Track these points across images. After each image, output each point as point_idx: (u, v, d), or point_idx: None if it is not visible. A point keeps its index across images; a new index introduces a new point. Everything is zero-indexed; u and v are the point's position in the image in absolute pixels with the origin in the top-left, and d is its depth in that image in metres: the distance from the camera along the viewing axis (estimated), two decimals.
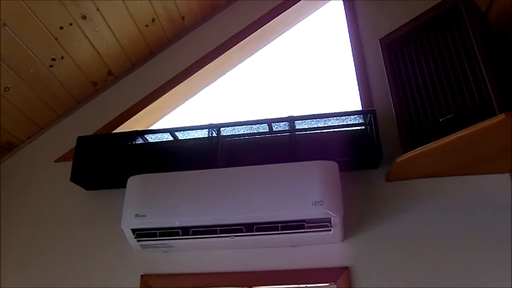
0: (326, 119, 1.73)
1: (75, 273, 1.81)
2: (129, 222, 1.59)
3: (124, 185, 1.69)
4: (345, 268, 1.59)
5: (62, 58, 2.00)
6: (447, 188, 1.66)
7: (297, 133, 1.76)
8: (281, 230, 1.50)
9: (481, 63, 1.36)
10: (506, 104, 1.30)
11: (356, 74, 1.98)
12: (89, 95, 2.28)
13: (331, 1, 2.34)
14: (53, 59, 1.98)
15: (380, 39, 1.73)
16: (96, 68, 2.17)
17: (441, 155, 1.50)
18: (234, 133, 1.81)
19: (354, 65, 2.02)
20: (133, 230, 1.60)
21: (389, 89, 1.64)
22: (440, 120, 1.46)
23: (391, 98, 1.63)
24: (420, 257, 1.57)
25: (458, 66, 1.44)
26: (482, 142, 1.41)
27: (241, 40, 2.24)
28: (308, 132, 1.76)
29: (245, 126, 1.79)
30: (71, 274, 1.81)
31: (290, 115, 1.76)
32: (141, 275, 1.73)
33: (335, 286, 1.57)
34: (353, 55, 2.04)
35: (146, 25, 2.18)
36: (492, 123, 1.28)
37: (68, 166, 1.97)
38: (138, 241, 1.61)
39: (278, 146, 1.75)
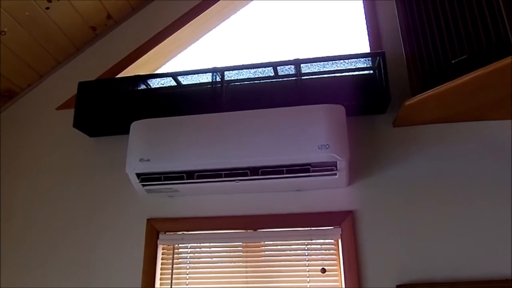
0: (333, 62, 1.67)
1: (82, 219, 1.83)
2: (133, 166, 1.58)
3: (127, 132, 1.67)
4: (350, 212, 1.60)
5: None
6: (453, 134, 1.64)
7: (303, 77, 1.70)
8: (286, 174, 1.49)
9: None
10: None
11: (365, 16, 1.90)
12: (89, 41, 2.21)
13: None
14: (49, 1, 1.89)
15: None
16: (94, 12, 2.09)
17: (452, 99, 1.46)
18: (238, 78, 1.76)
19: (364, 6, 1.93)
20: (138, 175, 1.60)
21: (399, 28, 1.57)
22: (453, 61, 1.39)
23: (401, 39, 1.56)
24: (424, 202, 1.57)
25: (475, 1, 1.36)
26: (496, 84, 1.35)
27: None
28: (314, 76, 1.71)
29: (249, 69, 1.74)
30: (77, 220, 1.84)
31: (296, 58, 1.70)
32: (147, 219, 1.75)
33: (340, 229, 1.59)
34: None
35: None
36: (508, 62, 1.22)
37: (70, 113, 1.94)
38: (143, 185, 1.62)
39: (284, 90, 1.71)
